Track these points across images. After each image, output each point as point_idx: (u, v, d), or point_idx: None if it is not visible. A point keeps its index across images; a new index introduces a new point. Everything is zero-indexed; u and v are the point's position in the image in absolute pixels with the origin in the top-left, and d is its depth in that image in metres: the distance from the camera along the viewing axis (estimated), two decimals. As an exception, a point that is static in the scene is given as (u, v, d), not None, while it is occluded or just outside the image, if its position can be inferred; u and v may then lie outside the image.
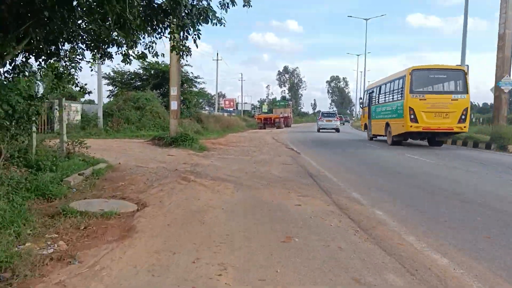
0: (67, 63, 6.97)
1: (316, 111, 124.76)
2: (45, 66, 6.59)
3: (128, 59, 8.10)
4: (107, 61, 7.45)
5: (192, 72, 29.00)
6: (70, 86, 8.44)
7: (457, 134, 17.16)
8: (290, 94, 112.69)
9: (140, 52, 8.60)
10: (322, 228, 4.72)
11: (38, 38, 6.19)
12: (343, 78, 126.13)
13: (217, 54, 52.87)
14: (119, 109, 21.21)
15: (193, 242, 4.10)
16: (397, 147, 16.91)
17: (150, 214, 5.22)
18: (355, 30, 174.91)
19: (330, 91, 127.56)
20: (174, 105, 15.01)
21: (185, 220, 4.96)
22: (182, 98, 27.62)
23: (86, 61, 7.38)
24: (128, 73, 27.85)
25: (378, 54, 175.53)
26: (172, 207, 5.64)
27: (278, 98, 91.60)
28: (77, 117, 19.84)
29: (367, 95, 23.01)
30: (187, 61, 28.29)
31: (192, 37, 6.58)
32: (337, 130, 34.54)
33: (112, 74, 27.39)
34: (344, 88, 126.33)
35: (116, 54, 8.28)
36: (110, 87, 27.85)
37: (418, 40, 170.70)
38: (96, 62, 8.00)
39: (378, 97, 20.30)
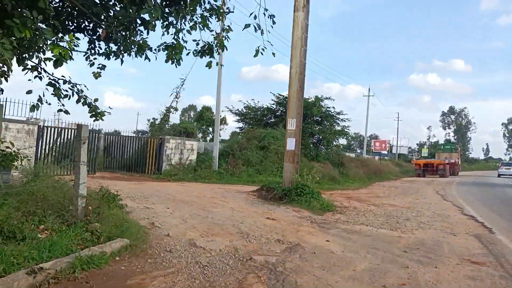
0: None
1: (487, 157, 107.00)
2: None
3: (144, 50, 4.34)
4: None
5: (333, 107, 24.52)
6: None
7: None
8: (456, 137, 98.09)
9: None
10: None
11: None
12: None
13: (369, 89, 47.24)
14: (240, 148, 17.96)
15: None
16: None
17: None
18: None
19: (507, 135, 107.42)
20: (290, 143, 10.77)
21: None
22: (320, 138, 23.51)
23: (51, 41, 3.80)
24: (261, 109, 25.00)
25: None
26: None
27: (441, 142, 79.82)
28: (192, 157, 17.14)
29: None
30: (324, 97, 24.12)
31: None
32: None
33: (244, 110, 24.91)
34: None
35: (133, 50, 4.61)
36: (241, 124, 25.33)
37: None
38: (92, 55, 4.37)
39: None
